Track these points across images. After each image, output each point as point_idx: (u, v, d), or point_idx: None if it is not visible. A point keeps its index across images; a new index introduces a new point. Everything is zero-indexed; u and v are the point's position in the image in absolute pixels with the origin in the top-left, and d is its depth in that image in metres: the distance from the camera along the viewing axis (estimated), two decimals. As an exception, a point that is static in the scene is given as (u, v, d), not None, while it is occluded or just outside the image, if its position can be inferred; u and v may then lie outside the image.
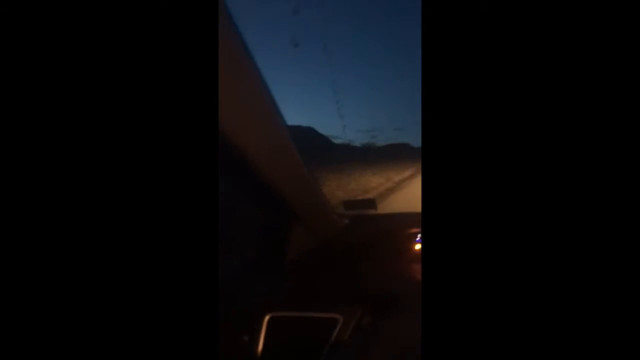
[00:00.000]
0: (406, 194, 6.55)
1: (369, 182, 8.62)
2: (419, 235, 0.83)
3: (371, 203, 0.90)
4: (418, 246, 0.82)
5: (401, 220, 0.95)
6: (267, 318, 0.63)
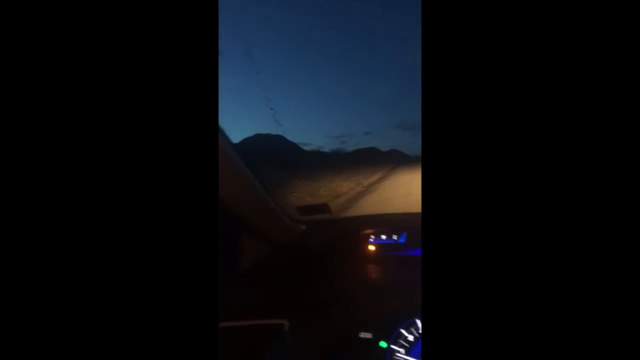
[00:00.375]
0: (376, 197, 6.66)
1: (339, 188, 8.68)
2: (372, 236, 0.85)
3: (325, 207, 0.92)
4: (372, 247, 0.84)
5: (355, 222, 0.97)
6: None
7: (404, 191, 6.92)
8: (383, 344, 0.55)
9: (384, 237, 0.83)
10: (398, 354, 0.54)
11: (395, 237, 0.82)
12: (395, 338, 0.55)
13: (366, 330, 0.57)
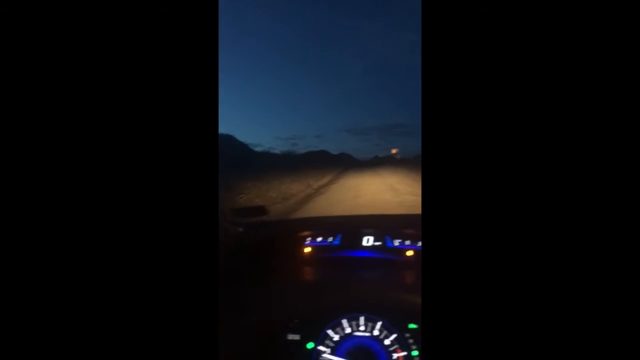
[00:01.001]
0: (325, 199, 6.76)
1: (288, 189, 8.67)
2: (309, 238, 0.86)
3: (262, 210, 0.91)
4: (307, 249, 0.85)
5: (292, 224, 0.98)
6: None
7: (352, 194, 7.11)
8: (310, 345, 0.56)
9: (319, 239, 0.85)
10: (324, 354, 0.55)
11: (330, 239, 0.84)
12: (322, 339, 0.56)
13: (294, 332, 0.57)
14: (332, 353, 0.55)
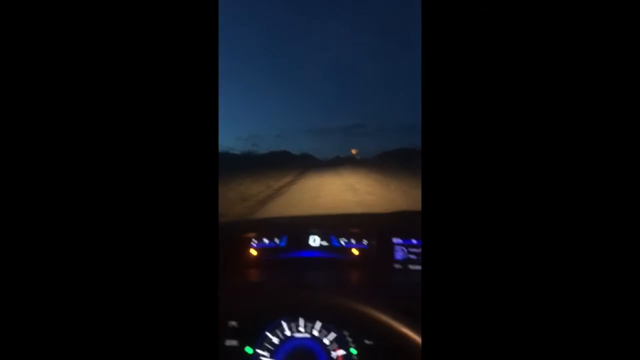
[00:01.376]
0: (285, 200, 6.72)
1: (248, 190, 8.51)
2: (255, 240, 0.84)
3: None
4: (253, 251, 0.83)
5: (237, 226, 0.95)
6: None
7: (313, 194, 7.14)
8: (249, 350, 0.54)
9: (266, 240, 0.83)
10: (263, 358, 0.54)
11: (277, 240, 0.83)
12: (261, 342, 0.55)
13: (231, 337, 0.55)
14: (271, 357, 0.54)
